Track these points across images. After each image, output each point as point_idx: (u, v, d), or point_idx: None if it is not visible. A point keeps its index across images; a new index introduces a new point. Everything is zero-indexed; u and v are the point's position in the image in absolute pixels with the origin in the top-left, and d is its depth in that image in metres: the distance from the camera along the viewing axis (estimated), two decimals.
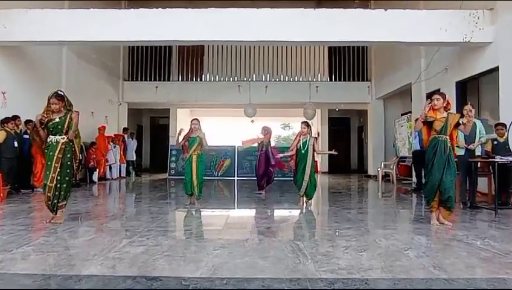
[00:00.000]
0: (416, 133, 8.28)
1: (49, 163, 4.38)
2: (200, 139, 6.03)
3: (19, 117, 7.62)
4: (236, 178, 12.33)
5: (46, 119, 4.40)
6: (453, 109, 5.06)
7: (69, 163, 4.47)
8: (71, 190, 4.73)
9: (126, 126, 13.42)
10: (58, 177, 4.39)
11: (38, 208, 5.76)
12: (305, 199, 6.21)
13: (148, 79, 14.06)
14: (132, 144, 13.22)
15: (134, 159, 13.37)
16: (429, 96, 8.91)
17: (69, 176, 4.50)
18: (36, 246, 3.38)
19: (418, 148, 8.21)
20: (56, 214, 4.46)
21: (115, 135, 12.20)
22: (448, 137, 4.43)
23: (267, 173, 7.54)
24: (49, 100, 4.41)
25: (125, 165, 12.50)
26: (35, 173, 7.72)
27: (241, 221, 5.27)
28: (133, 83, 13.96)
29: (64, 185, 4.46)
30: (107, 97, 12.63)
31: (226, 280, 2.56)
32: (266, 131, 7.67)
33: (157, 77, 14.11)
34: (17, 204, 6.03)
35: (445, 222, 4.45)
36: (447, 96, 4.58)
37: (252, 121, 14.71)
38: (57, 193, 4.39)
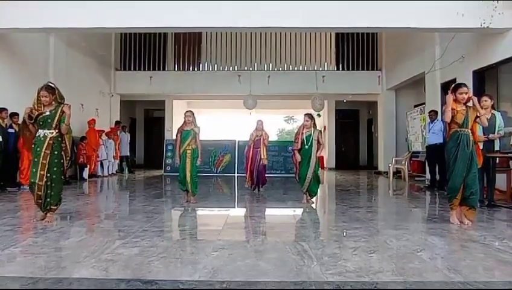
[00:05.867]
0: (430, 126, 8.29)
1: (36, 159, 4.37)
2: (194, 133, 6.04)
3: (6, 110, 7.64)
4: (236, 175, 12.34)
5: (36, 113, 4.39)
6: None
7: (56, 161, 4.43)
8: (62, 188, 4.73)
9: (118, 119, 13.44)
10: (48, 175, 4.39)
11: (25, 207, 5.79)
12: (307, 196, 6.23)
13: (141, 69, 14.05)
14: (126, 138, 13.25)
15: (129, 154, 13.42)
16: (444, 86, 8.93)
17: (57, 174, 4.46)
18: (24, 248, 3.40)
19: (432, 142, 8.20)
20: (47, 214, 4.48)
21: (111, 128, 12.28)
22: (470, 131, 4.45)
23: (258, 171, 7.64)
24: (39, 93, 4.40)
25: (118, 161, 12.53)
26: (22, 170, 7.76)
27: (242, 221, 5.27)
28: (125, 72, 13.95)
29: (53, 185, 4.43)
30: (98, 88, 12.64)
31: (226, 283, 2.56)
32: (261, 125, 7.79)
33: (151, 67, 14.09)
34: (3, 203, 6.05)
35: (465, 221, 4.45)
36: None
37: (250, 113, 14.64)
38: (49, 192, 4.40)
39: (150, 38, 14.14)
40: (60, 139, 4.50)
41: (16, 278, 2.61)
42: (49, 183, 4.40)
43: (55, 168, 4.44)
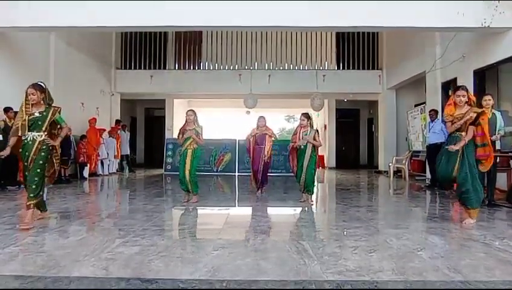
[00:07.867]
0: (431, 126, 8.29)
1: (25, 164, 4.29)
2: (196, 132, 6.04)
3: (12, 109, 7.63)
4: (237, 174, 12.34)
5: (26, 118, 4.25)
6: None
7: (41, 162, 4.25)
8: (45, 190, 4.59)
9: (119, 118, 13.44)
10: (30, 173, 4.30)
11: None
12: (306, 194, 6.25)
13: (142, 68, 14.05)
14: (126, 137, 13.26)
15: (129, 153, 13.43)
16: (445, 86, 8.93)
17: (39, 176, 4.26)
18: (24, 246, 3.40)
19: (433, 142, 8.19)
20: (41, 212, 4.47)
21: (111, 127, 12.32)
22: (463, 134, 4.42)
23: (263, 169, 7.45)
24: (26, 92, 4.28)
25: (118, 160, 12.54)
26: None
27: (242, 220, 5.27)
28: (126, 72, 13.95)
29: (34, 187, 4.24)
30: (98, 87, 12.64)
31: (226, 282, 2.56)
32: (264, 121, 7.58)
33: (152, 66, 14.09)
34: (3, 202, 6.05)
35: (466, 221, 4.44)
36: (468, 90, 4.56)
37: (248, 112, 14.60)
38: (27, 184, 4.30)
39: (150, 37, 14.14)
40: (47, 142, 4.32)
41: (15, 276, 2.62)
42: (29, 178, 4.27)
43: (37, 170, 4.24)
